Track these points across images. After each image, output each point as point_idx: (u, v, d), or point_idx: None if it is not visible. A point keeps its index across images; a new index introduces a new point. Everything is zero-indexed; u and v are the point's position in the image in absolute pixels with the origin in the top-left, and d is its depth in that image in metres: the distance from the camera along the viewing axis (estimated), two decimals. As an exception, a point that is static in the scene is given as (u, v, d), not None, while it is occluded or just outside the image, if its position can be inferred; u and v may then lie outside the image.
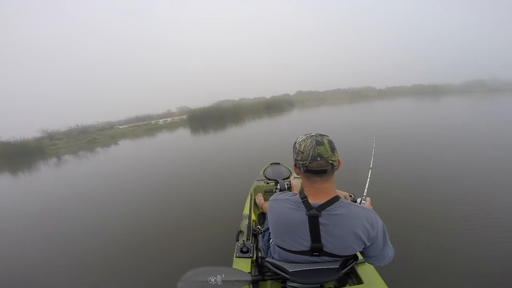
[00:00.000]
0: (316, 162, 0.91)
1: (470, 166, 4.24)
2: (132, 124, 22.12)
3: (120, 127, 21.15)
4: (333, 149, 0.94)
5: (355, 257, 1.02)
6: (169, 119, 22.98)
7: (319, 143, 0.93)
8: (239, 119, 17.75)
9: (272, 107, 23.49)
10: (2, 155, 12.21)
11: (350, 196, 1.50)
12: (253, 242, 1.61)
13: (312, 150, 0.92)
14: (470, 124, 8.26)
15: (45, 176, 7.88)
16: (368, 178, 1.79)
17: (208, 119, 18.61)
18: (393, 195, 3.40)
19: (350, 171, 4.24)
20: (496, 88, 30.03)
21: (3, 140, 13.30)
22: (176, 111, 31.43)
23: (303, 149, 0.94)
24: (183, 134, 13.94)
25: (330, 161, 0.92)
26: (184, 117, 21.80)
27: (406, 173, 4.20)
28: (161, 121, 22.50)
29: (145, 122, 22.46)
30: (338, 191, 1.42)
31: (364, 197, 1.42)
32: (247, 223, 1.82)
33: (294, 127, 11.33)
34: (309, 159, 0.92)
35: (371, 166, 1.94)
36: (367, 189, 1.68)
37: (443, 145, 5.75)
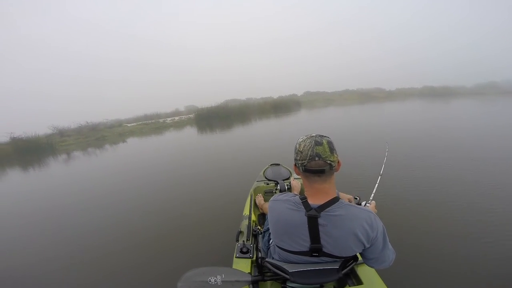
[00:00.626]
0: (314, 162, 0.92)
1: (481, 169, 4.14)
2: (140, 122, 22.39)
3: (129, 125, 21.39)
4: (332, 149, 0.94)
5: (355, 258, 1.02)
6: (176, 118, 23.14)
7: (318, 143, 0.94)
8: (245, 119, 17.78)
9: (279, 107, 23.44)
10: (14, 150, 12.52)
11: (355, 198, 1.48)
12: (253, 243, 1.61)
13: (310, 150, 0.93)
14: (481, 126, 8.09)
15: (53, 172, 8.06)
16: (377, 184, 1.78)
17: (215, 118, 18.67)
18: (398, 198, 3.35)
19: (358, 174, 4.20)
20: (509, 90, 29.32)
21: (15, 136, 13.61)
22: (184, 110, 31.73)
23: (302, 149, 0.95)
24: (189, 133, 14.06)
25: (329, 161, 0.93)
26: (191, 116, 21.96)
27: (411, 174, 4.14)
28: (168, 119, 22.69)
29: (153, 121, 22.71)
30: (342, 194, 1.41)
31: (369, 201, 1.41)
32: (247, 224, 1.82)
33: (299, 128, 11.30)
34: (307, 158, 0.93)
35: (381, 173, 1.92)
36: (374, 194, 1.66)
37: (451, 148, 5.64)
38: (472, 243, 2.35)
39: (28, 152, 12.41)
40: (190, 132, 14.42)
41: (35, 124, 16.88)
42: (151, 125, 19.68)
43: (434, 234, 2.52)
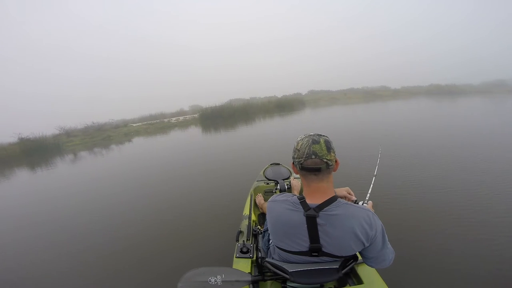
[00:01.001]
0: (311, 160, 0.93)
1: (486, 169, 4.07)
2: (145, 122, 22.52)
3: (134, 125, 21.52)
4: (329, 148, 0.94)
5: (355, 257, 1.02)
6: (181, 118, 23.22)
7: (315, 142, 0.94)
8: (249, 118, 17.73)
9: (283, 106, 23.34)
10: (22, 151, 12.69)
11: (351, 195, 1.47)
12: (253, 243, 1.61)
13: (307, 148, 0.94)
14: (488, 125, 7.96)
15: (59, 172, 8.12)
16: (372, 184, 1.78)
17: (219, 118, 18.68)
18: (397, 198, 3.32)
19: (355, 175, 4.17)
20: (518, 88, 28.84)
21: (22, 137, 13.82)
22: (189, 110, 31.84)
23: (300, 147, 0.96)
24: (194, 133, 14.08)
25: (325, 160, 0.93)
26: (196, 115, 22.01)
27: (412, 175, 4.09)
28: (173, 119, 22.76)
29: (158, 120, 22.83)
30: (338, 189, 1.41)
31: (366, 200, 1.40)
32: (247, 224, 1.82)
33: (302, 127, 11.22)
34: (304, 156, 0.94)
35: (375, 173, 1.92)
36: (370, 194, 1.66)
37: (455, 147, 5.56)
38: (473, 242, 2.33)
39: (35, 152, 12.58)
40: (194, 131, 14.45)
41: (38, 125, 17.13)
42: (156, 125, 19.77)
43: (435, 234, 2.49)
